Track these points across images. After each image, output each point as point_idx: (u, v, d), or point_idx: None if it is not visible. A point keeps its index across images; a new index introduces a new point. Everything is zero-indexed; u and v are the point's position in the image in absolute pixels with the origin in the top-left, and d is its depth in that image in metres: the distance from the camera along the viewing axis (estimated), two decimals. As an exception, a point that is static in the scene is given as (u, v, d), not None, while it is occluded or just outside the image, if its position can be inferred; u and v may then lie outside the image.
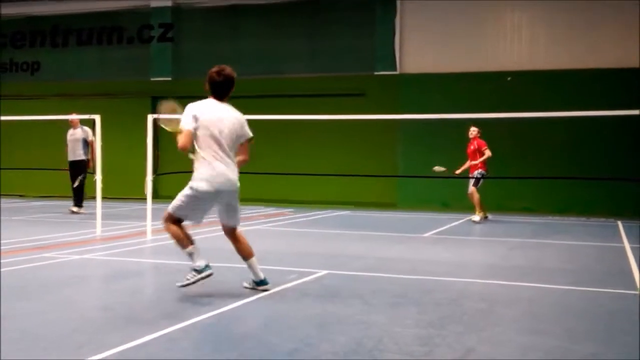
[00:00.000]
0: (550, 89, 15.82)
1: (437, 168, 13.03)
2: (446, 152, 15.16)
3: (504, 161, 15.75)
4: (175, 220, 5.79)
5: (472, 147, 13.46)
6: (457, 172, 13.47)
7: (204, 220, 5.93)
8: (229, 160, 5.72)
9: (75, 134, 13.86)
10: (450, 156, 15.37)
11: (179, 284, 5.81)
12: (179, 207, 5.73)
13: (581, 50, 15.92)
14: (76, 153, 13.82)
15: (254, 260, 5.96)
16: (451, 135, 15.61)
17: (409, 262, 8.17)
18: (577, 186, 15.01)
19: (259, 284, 6.00)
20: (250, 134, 5.93)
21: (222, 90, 5.81)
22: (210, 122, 5.67)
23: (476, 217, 13.11)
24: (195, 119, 5.67)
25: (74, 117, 13.41)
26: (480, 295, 6.06)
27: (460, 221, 13.45)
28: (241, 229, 6.04)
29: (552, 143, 15.79)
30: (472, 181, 13.26)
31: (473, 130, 13.55)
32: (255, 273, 5.99)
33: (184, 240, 5.75)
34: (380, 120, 14.83)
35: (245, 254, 5.94)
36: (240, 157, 5.90)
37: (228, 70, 5.83)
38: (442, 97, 16.35)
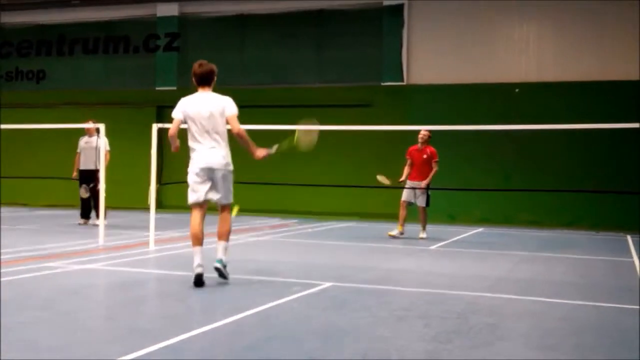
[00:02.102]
0: (558, 101, 15.75)
1: (380, 178, 11.45)
2: (453, 163, 15.08)
3: (511, 173, 15.69)
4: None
5: (424, 156, 11.90)
6: (401, 179, 11.98)
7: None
8: (213, 144, 6.54)
9: (91, 142, 13.34)
10: (457, 168, 15.35)
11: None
12: (190, 196, 6.61)
13: (589, 63, 15.85)
14: (90, 162, 13.29)
15: (225, 243, 6.69)
16: (458, 147, 15.55)
17: (415, 274, 8.08)
18: (586, 199, 14.89)
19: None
20: (232, 111, 6.64)
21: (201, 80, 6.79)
22: (191, 115, 6.58)
23: (424, 234, 12.07)
24: (183, 113, 6.64)
25: (90, 125, 12.95)
26: (488, 309, 5.96)
27: (467, 234, 13.34)
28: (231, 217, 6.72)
29: (561, 155, 15.69)
30: (422, 199, 11.85)
31: (425, 134, 11.79)
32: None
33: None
34: (387, 131, 14.75)
35: (219, 234, 6.69)
36: (233, 131, 6.61)
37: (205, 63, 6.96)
38: (449, 108, 16.28)
